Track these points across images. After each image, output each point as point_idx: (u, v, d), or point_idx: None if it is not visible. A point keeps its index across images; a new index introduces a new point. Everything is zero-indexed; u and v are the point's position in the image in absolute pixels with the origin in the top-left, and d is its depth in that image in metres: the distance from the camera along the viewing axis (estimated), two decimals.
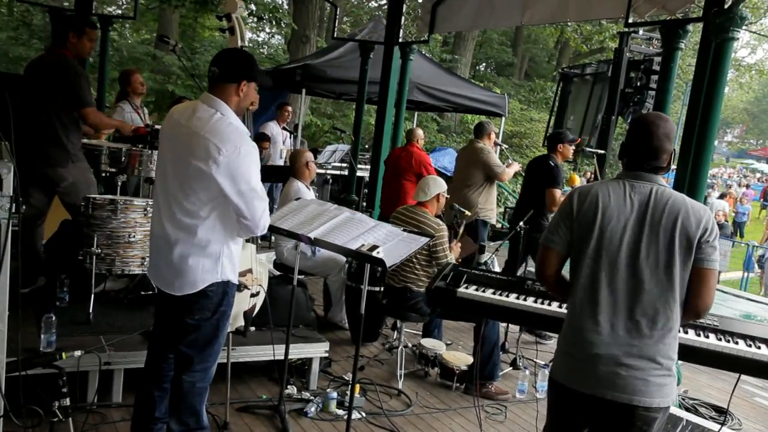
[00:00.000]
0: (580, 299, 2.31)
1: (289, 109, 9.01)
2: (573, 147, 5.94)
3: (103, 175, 5.08)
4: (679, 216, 2.20)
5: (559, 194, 5.59)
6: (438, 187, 4.72)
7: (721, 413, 4.60)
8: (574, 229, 2.33)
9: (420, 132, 7.46)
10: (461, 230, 5.12)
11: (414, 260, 4.56)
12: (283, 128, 8.80)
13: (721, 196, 19.46)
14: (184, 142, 2.68)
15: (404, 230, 3.38)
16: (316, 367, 4.31)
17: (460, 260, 4.88)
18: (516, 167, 6.80)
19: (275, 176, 7.82)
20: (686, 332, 2.82)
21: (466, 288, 3.28)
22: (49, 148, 4.27)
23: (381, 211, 7.43)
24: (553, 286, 2.51)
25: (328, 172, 10.11)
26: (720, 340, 2.82)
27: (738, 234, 19.25)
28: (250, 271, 3.36)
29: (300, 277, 4.55)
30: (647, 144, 2.32)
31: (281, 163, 8.52)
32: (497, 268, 6.56)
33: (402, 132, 9.00)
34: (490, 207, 6.42)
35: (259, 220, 2.72)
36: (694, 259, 2.21)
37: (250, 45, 24.00)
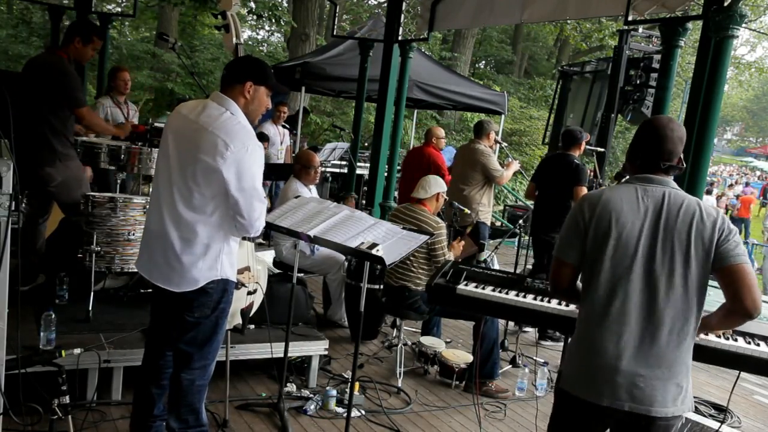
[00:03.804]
0: (596, 308, 2.24)
1: (285, 109, 8.98)
2: (586, 142, 5.92)
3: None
4: (694, 220, 2.15)
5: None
6: (438, 186, 4.73)
7: (721, 411, 4.61)
8: (588, 237, 2.26)
9: (438, 131, 7.33)
10: (467, 230, 5.12)
11: (411, 259, 4.55)
12: (283, 126, 8.80)
13: (708, 192, 19.40)
14: (191, 137, 2.68)
15: (403, 228, 3.38)
16: (315, 365, 4.31)
17: (459, 260, 4.89)
18: (515, 166, 6.76)
19: (275, 174, 7.82)
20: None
21: (466, 285, 3.28)
22: (36, 149, 4.25)
23: None
24: (569, 298, 2.47)
25: (328, 170, 10.11)
26: (719, 337, 2.82)
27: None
28: (247, 268, 3.37)
29: (299, 275, 4.55)
30: (662, 147, 2.27)
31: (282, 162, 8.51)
32: (497, 266, 6.57)
33: (401, 130, 9.00)
34: (488, 208, 6.39)
35: (255, 220, 2.73)
36: (721, 259, 2.14)
37: (250, 43, 23.99)
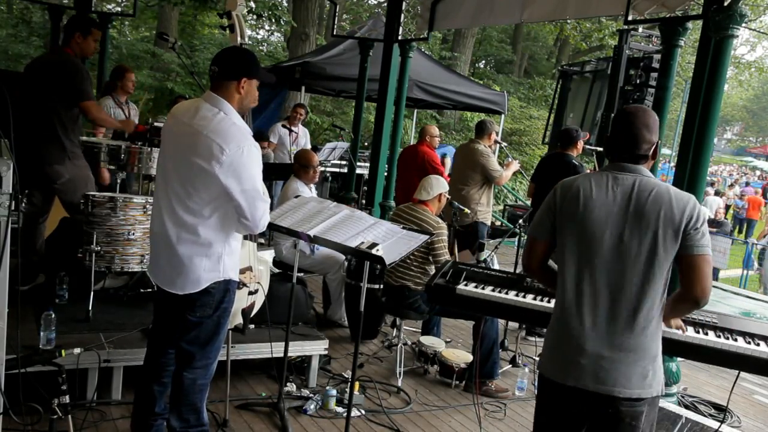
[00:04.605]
0: (564, 293, 2.32)
1: (302, 111, 8.99)
2: (583, 141, 5.95)
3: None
4: (663, 206, 2.18)
5: None
6: (440, 187, 4.72)
7: (721, 411, 4.61)
8: (557, 221, 2.35)
9: (431, 129, 7.44)
10: (455, 247, 5.15)
11: (412, 258, 4.55)
12: (283, 125, 8.80)
13: (716, 193, 19.38)
14: (187, 141, 2.68)
15: (403, 228, 3.38)
16: (315, 364, 4.31)
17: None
18: (515, 166, 6.76)
19: (275, 174, 7.82)
20: (685, 329, 2.82)
21: (466, 285, 3.28)
22: (46, 146, 4.28)
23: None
24: (539, 276, 2.54)
25: (328, 169, 10.11)
26: (719, 337, 2.83)
27: (738, 230, 19.26)
28: (249, 268, 3.37)
29: (299, 274, 4.55)
30: (625, 133, 2.31)
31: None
32: (497, 266, 6.56)
33: (401, 130, 9.01)
34: (487, 208, 6.39)
35: (259, 220, 2.73)
36: (683, 247, 2.19)
37: (250, 42, 23.97)
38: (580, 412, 2.30)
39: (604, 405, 2.23)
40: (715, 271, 9.84)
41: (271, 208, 3.22)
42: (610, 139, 2.38)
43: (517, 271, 5.48)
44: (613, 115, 2.50)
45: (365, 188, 9.84)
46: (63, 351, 3.22)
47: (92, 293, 4.02)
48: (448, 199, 4.87)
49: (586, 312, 2.25)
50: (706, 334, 2.84)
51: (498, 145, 6.88)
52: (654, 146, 2.32)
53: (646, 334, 2.22)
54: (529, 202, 7.12)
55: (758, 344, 2.79)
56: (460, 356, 4.70)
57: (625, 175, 2.28)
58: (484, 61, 28.66)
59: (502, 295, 3.20)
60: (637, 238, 2.20)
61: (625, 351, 2.21)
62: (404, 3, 8.22)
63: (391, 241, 3.18)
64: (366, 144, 11.87)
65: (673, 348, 2.52)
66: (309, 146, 9.07)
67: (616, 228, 2.22)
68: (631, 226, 2.21)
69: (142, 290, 4.45)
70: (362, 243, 3.14)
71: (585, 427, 2.33)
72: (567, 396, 2.29)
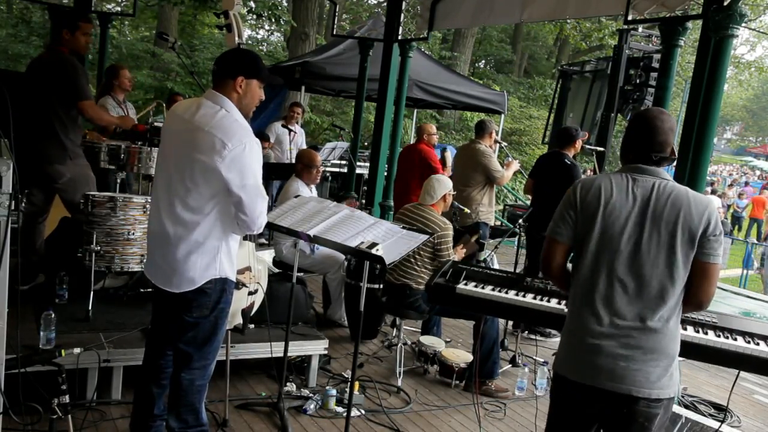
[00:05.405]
0: (581, 291, 2.32)
1: (299, 110, 8.99)
2: (583, 140, 5.96)
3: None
4: (682, 209, 2.19)
5: None
6: (443, 187, 4.71)
7: (721, 410, 4.61)
8: (578, 219, 2.33)
9: (429, 128, 7.36)
10: (472, 239, 5.12)
11: (414, 258, 4.55)
12: (283, 125, 8.80)
13: (713, 192, 19.36)
14: (187, 137, 2.67)
15: (403, 227, 3.38)
16: (315, 364, 4.31)
17: (460, 260, 4.88)
18: (515, 166, 6.75)
19: (275, 173, 7.82)
20: (685, 329, 2.82)
21: (466, 284, 3.28)
22: (47, 146, 4.29)
23: (394, 208, 7.63)
24: (558, 279, 2.51)
25: (328, 169, 10.10)
26: (719, 336, 2.82)
27: (737, 229, 19.26)
28: (248, 268, 3.36)
29: (299, 274, 4.55)
30: (653, 138, 2.31)
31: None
32: (497, 266, 6.56)
33: (401, 129, 9.00)
34: (489, 208, 6.39)
35: (258, 217, 2.71)
36: (699, 253, 2.20)
37: (250, 42, 24.01)
38: (594, 410, 2.31)
39: (620, 404, 2.23)
40: None
41: (270, 208, 3.22)
42: (631, 141, 2.37)
43: (517, 271, 5.49)
44: (631, 117, 2.49)
45: (365, 188, 9.85)
46: (63, 351, 3.22)
47: (92, 293, 4.02)
48: (453, 195, 4.86)
49: (602, 312, 2.25)
50: (706, 333, 2.84)
51: (498, 144, 6.87)
52: (673, 148, 2.35)
53: (664, 334, 2.23)
54: (528, 201, 7.12)
55: (758, 344, 2.79)
56: (460, 356, 4.70)
57: (644, 177, 2.29)
58: (483, 61, 28.66)
59: (502, 295, 3.20)
60: (656, 240, 2.20)
61: (642, 350, 2.21)
62: (404, 3, 8.22)
63: (390, 241, 3.18)
64: (366, 144, 11.88)
65: None
66: (305, 145, 9.07)
67: (634, 230, 2.23)
68: (649, 229, 2.21)
69: (142, 290, 4.45)
70: (362, 243, 3.14)
71: (596, 425, 2.34)
72: (582, 394, 2.29)
